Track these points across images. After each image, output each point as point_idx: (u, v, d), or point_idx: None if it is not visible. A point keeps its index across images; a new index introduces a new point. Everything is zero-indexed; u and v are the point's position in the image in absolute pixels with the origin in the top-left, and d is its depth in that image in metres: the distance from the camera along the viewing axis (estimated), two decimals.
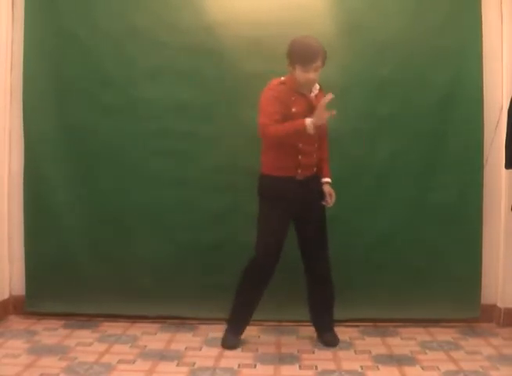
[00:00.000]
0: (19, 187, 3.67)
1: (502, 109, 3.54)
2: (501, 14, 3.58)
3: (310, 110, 3.05)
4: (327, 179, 3.27)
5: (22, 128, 3.65)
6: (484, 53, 3.55)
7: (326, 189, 3.25)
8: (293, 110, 3.07)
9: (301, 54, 3.02)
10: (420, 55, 3.55)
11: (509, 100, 3.36)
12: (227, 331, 3.27)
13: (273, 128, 3.00)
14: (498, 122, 3.56)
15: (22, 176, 3.67)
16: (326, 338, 3.27)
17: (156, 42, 3.58)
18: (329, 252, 3.27)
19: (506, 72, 3.57)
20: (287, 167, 3.13)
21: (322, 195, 3.26)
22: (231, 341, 3.22)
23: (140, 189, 3.64)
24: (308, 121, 2.97)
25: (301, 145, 3.11)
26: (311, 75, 3.04)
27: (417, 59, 3.56)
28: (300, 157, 3.13)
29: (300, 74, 3.05)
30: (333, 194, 3.26)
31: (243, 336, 3.29)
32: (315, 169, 3.21)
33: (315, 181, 3.23)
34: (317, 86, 3.15)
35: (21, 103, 3.64)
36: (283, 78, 3.14)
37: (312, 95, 3.14)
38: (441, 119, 3.58)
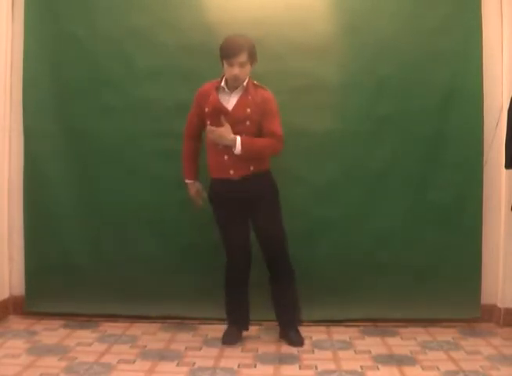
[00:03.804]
0: (19, 187, 3.67)
1: (502, 109, 3.54)
2: (501, 14, 3.58)
3: (217, 112, 3.12)
4: None
5: (22, 128, 3.66)
6: (484, 53, 3.54)
7: None
8: (206, 109, 3.17)
9: (224, 49, 3.08)
10: (420, 55, 3.55)
11: (509, 100, 3.36)
12: (227, 327, 3.32)
13: (185, 146, 3.34)
14: (498, 122, 3.56)
15: (22, 176, 3.67)
16: (290, 337, 3.25)
17: (156, 42, 3.58)
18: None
19: (506, 72, 3.57)
20: (218, 168, 3.18)
21: (269, 196, 3.21)
22: (228, 336, 3.27)
23: (140, 189, 3.63)
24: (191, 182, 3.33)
25: (220, 146, 3.14)
26: (236, 70, 3.06)
27: (417, 59, 3.55)
28: (226, 157, 3.15)
29: (226, 68, 3.10)
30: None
31: (243, 335, 3.31)
32: (252, 168, 3.16)
33: (257, 180, 3.18)
34: (243, 84, 3.14)
35: (21, 103, 3.64)
36: (216, 79, 3.21)
37: (232, 97, 3.15)
38: (441, 119, 3.57)
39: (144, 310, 3.61)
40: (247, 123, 3.14)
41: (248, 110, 3.13)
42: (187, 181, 3.35)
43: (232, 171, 3.15)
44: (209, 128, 3.12)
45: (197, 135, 3.31)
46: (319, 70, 3.55)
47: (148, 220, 3.65)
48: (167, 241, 3.64)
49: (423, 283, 3.59)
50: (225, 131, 3.09)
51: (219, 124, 3.11)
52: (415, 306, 3.59)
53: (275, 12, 3.55)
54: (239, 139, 3.09)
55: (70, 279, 3.65)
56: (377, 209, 3.61)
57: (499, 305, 3.63)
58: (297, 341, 3.23)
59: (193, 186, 3.35)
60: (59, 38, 3.61)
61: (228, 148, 3.12)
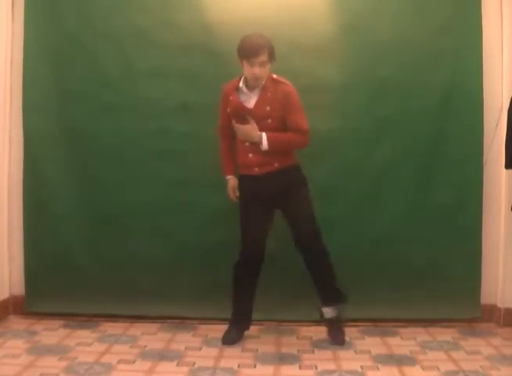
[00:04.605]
0: (19, 187, 3.67)
1: (502, 109, 3.54)
2: (501, 14, 3.58)
3: (238, 112, 3.16)
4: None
5: (22, 128, 3.65)
6: (484, 53, 3.54)
7: None
8: (228, 110, 3.21)
9: (244, 49, 3.08)
10: (420, 55, 3.55)
11: (509, 100, 3.36)
12: (228, 327, 3.32)
13: (220, 145, 3.39)
14: (498, 122, 3.56)
15: (21, 176, 3.67)
16: (332, 332, 3.30)
17: (156, 42, 3.58)
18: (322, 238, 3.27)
19: (506, 72, 3.57)
20: (244, 165, 3.23)
21: (296, 188, 3.23)
22: (228, 336, 3.27)
23: (140, 189, 3.64)
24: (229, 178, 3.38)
25: (248, 144, 3.17)
26: (256, 70, 3.07)
27: (417, 59, 3.56)
28: (250, 155, 3.18)
29: (246, 68, 3.10)
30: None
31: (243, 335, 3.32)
32: (276, 165, 3.19)
33: (283, 175, 3.19)
34: (262, 82, 3.15)
35: (21, 103, 3.64)
36: (238, 78, 3.22)
37: (252, 96, 3.17)
38: (440, 119, 3.57)
39: (144, 310, 3.61)
40: (269, 121, 3.16)
41: (268, 108, 3.15)
42: (226, 177, 3.39)
43: (256, 169, 3.19)
44: (235, 125, 3.18)
45: (229, 133, 3.32)
46: (319, 70, 3.55)
47: (148, 220, 3.65)
48: (167, 241, 3.64)
49: (423, 282, 3.59)
50: (251, 129, 3.14)
51: (244, 123, 3.15)
52: (415, 306, 3.59)
53: (275, 12, 3.55)
54: (264, 135, 3.13)
55: (70, 279, 3.65)
56: (377, 209, 3.61)
57: (499, 305, 3.63)
58: (338, 340, 3.27)
59: (231, 182, 3.38)
60: (59, 38, 3.61)
61: (254, 146, 3.16)
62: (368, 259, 3.60)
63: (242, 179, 3.32)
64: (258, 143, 3.15)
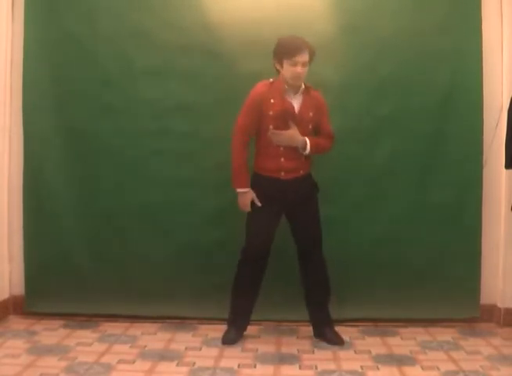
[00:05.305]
0: (19, 187, 3.67)
1: (502, 109, 3.54)
2: (501, 14, 3.58)
3: (284, 115, 3.11)
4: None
5: (22, 128, 3.65)
6: (484, 53, 3.55)
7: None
8: (271, 113, 3.12)
9: (286, 48, 3.05)
10: (420, 55, 3.56)
11: (509, 100, 3.36)
12: (227, 328, 3.32)
13: (235, 148, 3.16)
14: (498, 122, 3.56)
15: (21, 176, 3.67)
16: (329, 336, 3.27)
17: (156, 42, 3.58)
18: (326, 253, 3.28)
19: (506, 72, 3.58)
20: (271, 168, 3.18)
21: (312, 196, 3.26)
22: (228, 336, 3.26)
23: (140, 189, 3.64)
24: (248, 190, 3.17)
25: (282, 149, 3.15)
26: (299, 69, 3.06)
27: (417, 58, 3.56)
28: (282, 159, 3.16)
29: (287, 68, 3.07)
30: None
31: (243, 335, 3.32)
32: (302, 172, 3.21)
33: (304, 182, 3.23)
34: (302, 86, 3.16)
35: (21, 102, 3.64)
36: (271, 80, 3.18)
37: (295, 100, 3.16)
38: (440, 119, 3.58)
39: (144, 310, 3.61)
40: (309, 126, 3.19)
41: (311, 113, 3.17)
42: (245, 190, 3.20)
43: (283, 173, 3.17)
44: (275, 131, 3.10)
45: (249, 141, 3.23)
46: (319, 70, 3.53)
47: (148, 220, 3.65)
48: (167, 241, 3.64)
49: (423, 282, 3.59)
50: (296, 133, 3.12)
51: (286, 127, 3.12)
52: (415, 306, 3.59)
53: (275, 12, 3.54)
54: (307, 140, 3.14)
55: (70, 279, 3.65)
56: (377, 209, 3.61)
57: (499, 305, 3.64)
58: (338, 340, 3.25)
59: (250, 194, 3.19)
60: (59, 38, 3.61)
61: (289, 151, 3.14)
62: (368, 259, 3.60)
63: (261, 179, 3.21)
64: (294, 148, 3.13)
